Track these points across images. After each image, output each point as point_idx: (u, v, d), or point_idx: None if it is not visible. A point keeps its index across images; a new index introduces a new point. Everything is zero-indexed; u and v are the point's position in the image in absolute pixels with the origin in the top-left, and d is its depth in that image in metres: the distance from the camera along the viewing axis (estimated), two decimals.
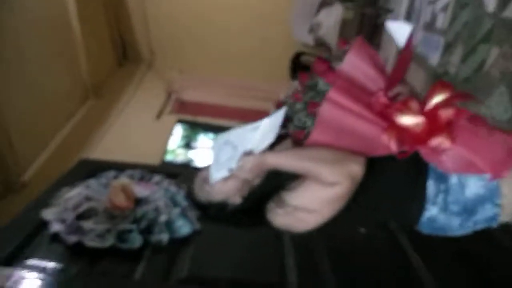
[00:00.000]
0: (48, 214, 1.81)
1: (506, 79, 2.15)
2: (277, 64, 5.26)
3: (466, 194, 1.11)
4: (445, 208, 1.12)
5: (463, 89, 2.58)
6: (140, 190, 1.94)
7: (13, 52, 3.27)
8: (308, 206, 1.08)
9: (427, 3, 3.44)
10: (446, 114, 1.08)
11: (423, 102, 1.13)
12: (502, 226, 1.15)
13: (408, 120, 1.10)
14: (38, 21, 3.68)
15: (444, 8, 3.09)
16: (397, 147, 1.09)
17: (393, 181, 1.16)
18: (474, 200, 1.10)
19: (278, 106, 1.30)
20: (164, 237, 1.74)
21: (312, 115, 1.19)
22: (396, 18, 4.11)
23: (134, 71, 5.61)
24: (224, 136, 1.18)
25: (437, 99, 1.10)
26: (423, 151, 1.12)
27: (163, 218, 1.79)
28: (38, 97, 3.63)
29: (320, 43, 5.08)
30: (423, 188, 1.12)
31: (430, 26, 3.35)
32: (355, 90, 1.18)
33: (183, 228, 1.81)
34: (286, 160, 1.12)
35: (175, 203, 1.88)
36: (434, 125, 1.09)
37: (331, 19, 4.87)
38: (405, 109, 1.11)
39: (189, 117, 4.60)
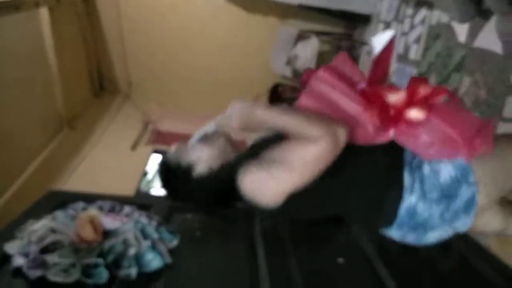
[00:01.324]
0: (11, 247, 1.72)
1: (478, 107, 2.18)
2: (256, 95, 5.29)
3: (440, 179, 1.13)
4: (424, 196, 1.13)
5: None
6: (109, 222, 1.86)
7: None
8: (287, 160, 1.06)
9: (400, 35, 3.52)
10: (425, 90, 1.16)
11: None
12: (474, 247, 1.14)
13: (393, 97, 1.17)
14: (13, 52, 3.62)
15: (417, 40, 3.16)
16: (377, 122, 1.15)
17: (371, 168, 1.18)
18: (450, 184, 1.12)
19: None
20: (133, 271, 1.66)
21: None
22: (370, 50, 4.20)
23: (110, 102, 5.55)
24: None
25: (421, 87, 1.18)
26: (401, 130, 1.16)
27: (132, 251, 1.70)
28: (8, 129, 3.52)
29: (298, 75, 5.16)
30: (400, 175, 1.15)
31: (403, 58, 3.42)
32: (343, 76, 1.26)
33: (153, 262, 1.72)
34: (273, 114, 1.12)
35: (145, 236, 1.81)
36: (412, 99, 1.15)
37: (307, 52, 4.97)
38: (390, 89, 1.20)
39: (165, 147, 4.54)
